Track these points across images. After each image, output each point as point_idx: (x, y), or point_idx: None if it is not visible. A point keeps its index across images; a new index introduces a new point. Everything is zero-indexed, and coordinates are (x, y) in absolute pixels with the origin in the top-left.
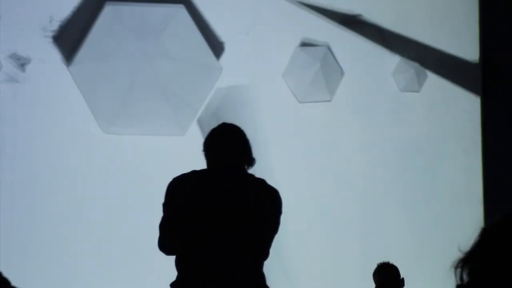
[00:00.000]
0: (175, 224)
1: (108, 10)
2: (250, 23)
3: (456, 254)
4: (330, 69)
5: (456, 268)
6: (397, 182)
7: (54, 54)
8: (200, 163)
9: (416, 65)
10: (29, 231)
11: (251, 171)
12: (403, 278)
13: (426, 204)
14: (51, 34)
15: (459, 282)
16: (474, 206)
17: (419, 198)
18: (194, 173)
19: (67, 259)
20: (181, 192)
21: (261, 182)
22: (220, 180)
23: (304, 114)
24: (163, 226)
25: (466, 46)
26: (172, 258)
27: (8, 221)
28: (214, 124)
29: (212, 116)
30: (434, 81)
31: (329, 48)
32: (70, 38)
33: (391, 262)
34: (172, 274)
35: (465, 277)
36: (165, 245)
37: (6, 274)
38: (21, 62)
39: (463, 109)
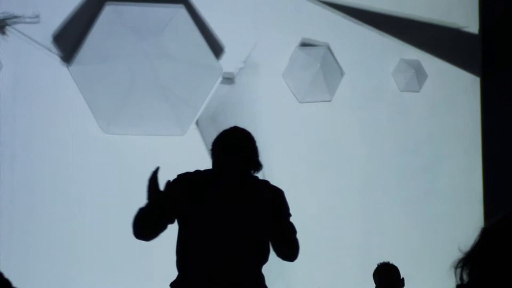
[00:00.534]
0: (165, 215)
1: (108, 10)
2: (251, 23)
3: (456, 254)
4: (330, 69)
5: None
6: (397, 181)
7: (54, 54)
8: (199, 163)
9: (416, 65)
10: (29, 231)
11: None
12: (403, 278)
13: (426, 204)
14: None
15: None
16: (474, 206)
17: (419, 198)
18: (198, 172)
19: (67, 258)
20: (185, 189)
21: (265, 183)
22: (222, 181)
23: (304, 114)
24: (148, 212)
25: (466, 46)
26: (172, 259)
27: (8, 221)
28: (213, 124)
29: (211, 116)
30: (434, 81)
31: (329, 48)
32: (70, 38)
33: (391, 262)
34: (170, 273)
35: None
36: (143, 229)
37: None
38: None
39: (463, 109)
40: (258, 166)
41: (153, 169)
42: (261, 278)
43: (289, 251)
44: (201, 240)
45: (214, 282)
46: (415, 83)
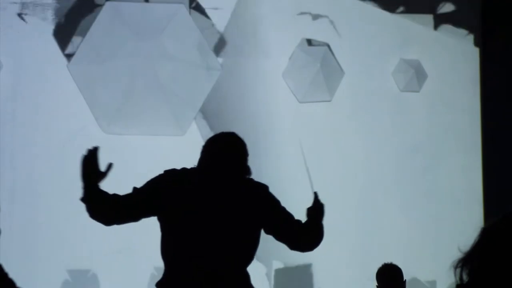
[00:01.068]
0: (144, 206)
1: (107, 9)
2: (251, 23)
3: (456, 254)
4: (330, 69)
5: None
6: (397, 181)
7: (54, 53)
8: None
9: (416, 65)
10: (30, 231)
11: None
12: (405, 281)
13: (426, 204)
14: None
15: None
16: (474, 206)
17: (419, 198)
18: (184, 170)
19: (67, 258)
20: (170, 186)
21: (249, 181)
22: (209, 180)
23: (304, 114)
24: (122, 197)
25: (466, 46)
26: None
27: (8, 221)
28: (213, 125)
29: (211, 117)
30: (434, 81)
31: (329, 48)
32: (70, 36)
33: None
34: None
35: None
36: (107, 211)
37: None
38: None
39: (463, 109)
40: (247, 171)
41: (90, 148)
42: (247, 277)
43: (311, 235)
44: (187, 239)
45: (200, 281)
46: (415, 83)
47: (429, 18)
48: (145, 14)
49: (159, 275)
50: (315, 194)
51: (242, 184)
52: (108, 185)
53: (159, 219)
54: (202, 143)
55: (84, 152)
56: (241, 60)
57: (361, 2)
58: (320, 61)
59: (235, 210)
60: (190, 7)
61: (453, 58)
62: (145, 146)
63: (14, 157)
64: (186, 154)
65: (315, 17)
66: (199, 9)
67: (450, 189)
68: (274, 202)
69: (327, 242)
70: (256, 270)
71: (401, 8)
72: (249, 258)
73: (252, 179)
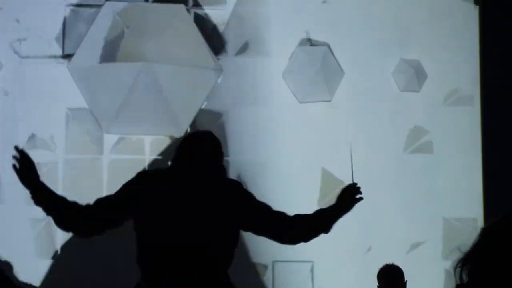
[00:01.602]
0: (115, 213)
1: (107, 9)
2: (251, 22)
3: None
4: (330, 69)
5: (456, 268)
6: (397, 182)
7: (54, 52)
8: None
9: (416, 65)
10: (30, 231)
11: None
12: (406, 281)
13: (426, 204)
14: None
15: (458, 282)
16: (474, 206)
17: (418, 198)
18: (158, 171)
19: (67, 258)
20: (143, 188)
21: (223, 180)
22: (183, 181)
23: (304, 114)
24: (97, 205)
25: (466, 46)
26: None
27: (8, 222)
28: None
29: (210, 117)
30: (434, 81)
31: (329, 48)
32: (70, 35)
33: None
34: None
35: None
36: (84, 223)
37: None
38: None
39: (463, 109)
40: (221, 170)
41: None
42: (228, 278)
43: (296, 229)
44: (163, 241)
45: (179, 283)
46: (415, 83)
47: (429, 17)
48: (145, 14)
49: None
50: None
51: (215, 182)
52: (107, 185)
53: (135, 223)
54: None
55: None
56: (241, 60)
57: (361, 2)
58: (320, 61)
59: (210, 209)
60: (190, 7)
61: (453, 58)
62: (145, 146)
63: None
64: None
65: (315, 17)
66: (199, 9)
67: (450, 189)
68: (248, 198)
69: (327, 242)
70: (257, 269)
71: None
72: (228, 257)
73: (225, 177)
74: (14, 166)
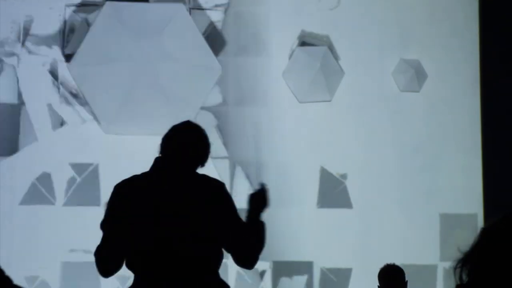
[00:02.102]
0: (115, 229)
1: (107, 9)
2: (251, 22)
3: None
4: (330, 69)
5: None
6: (397, 182)
7: (54, 53)
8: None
9: (416, 65)
10: (30, 231)
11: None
12: (406, 281)
13: (426, 204)
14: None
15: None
16: (474, 206)
17: (418, 198)
18: (135, 177)
19: (67, 258)
20: (125, 200)
21: (205, 178)
22: (163, 183)
23: (304, 114)
24: (106, 238)
25: (466, 46)
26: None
27: (8, 222)
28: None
29: (210, 116)
30: (434, 81)
31: (329, 48)
32: (70, 36)
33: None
34: None
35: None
36: (104, 254)
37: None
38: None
39: (463, 109)
40: (196, 162)
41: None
42: (217, 274)
43: (247, 252)
44: (148, 245)
45: (171, 284)
46: (415, 83)
47: (429, 17)
48: (145, 14)
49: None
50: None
51: (198, 182)
52: (108, 185)
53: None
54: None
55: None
56: (241, 60)
57: (361, 2)
58: (320, 61)
59: (194, 207)
60: (190, 7)
61: (453, 58)
62: (145, 146)
63: (14, 157)
64: None
65: (315, 17)
66: (199, 9)
67: (450, 189)
68: (229, 206)
69: (327, 241)
70: (256, 268)
71: None
72: (218, 255)
73: (207, 176)
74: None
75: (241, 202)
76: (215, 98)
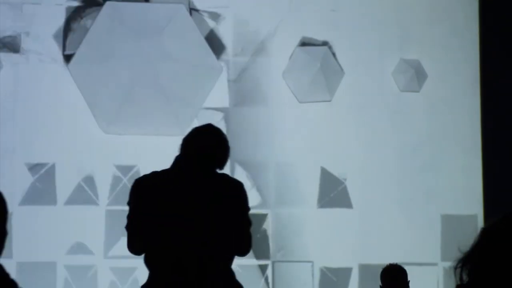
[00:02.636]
0: (139, 226)
1: (107, 9)
2: (251, 22)
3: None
4: (330, 69)
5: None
6: (397, 182)
7: (54, 53)
8: None
9: (416, 65)
10: (29, 231)
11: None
12: (408, 281)
13: (426, 204)
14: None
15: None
16: (474, 206)
17: (418, 198)
18: (155, 174)
19: (67, 258)
20: (144, 194)
21: (224, 177)
22: (183, 180)
23: (304, 114)
24: (128, 227)
25: (466, 46)
26: None
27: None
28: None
29: (211, 116)
30: (434, 81)
31: (329, 48)
32: (70, 35)
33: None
34: None
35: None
36: (132, 245)
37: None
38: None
39: (463, 109)
40: (216, 164)
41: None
42: (232, 274)
43: (243, 245)
44: (169, 241)
45: (184, 282)
46: (415, 83)
47: (429, 17)
48: (145, 14)
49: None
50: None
51: (217, 180)
52: (107, 185)
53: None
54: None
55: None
56: (241, 60)
57: (361, 2)
58: (320, 61)
59: (212, 207)
60: (190, 7)
61: (453, 58)
62: (145, 146)
63: (14, 157)
64: None
65: (315, 17)
66: (199, 9)
67: (450, 189)
68: (244, 205)
69: (327, 241)
70: (256, 268)
71: None
72: (231, 254)
73: (227, 175)
74: None
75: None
76: (215, 98)
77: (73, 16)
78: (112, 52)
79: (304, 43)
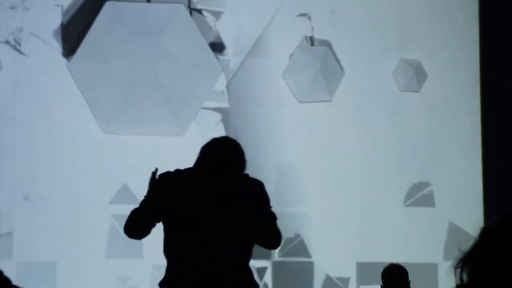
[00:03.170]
0: (150, 213)
1: (107, 9)
2: (251, 22)
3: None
4: (330, 69)
5: (456, 268)
6: (397, 182)
7: (54, 53)
8: None
9: (416, 65)
10: (29, 231)
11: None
12: (409, 281)
13: (426, 204)
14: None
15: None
16: (474, 206)
17: (418, 198)
18: (179, 171)
19: (67, 259)
20: (168, 189)
21: (245, 177)
22: (205, 179)
23: (304, 114)
24: (137, 212)
25: (466, 46)
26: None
27: (8, 222)
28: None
29: (211, 116)
30: (434, 81)
31: (329, 48)
32: (70, 35)
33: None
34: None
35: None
36: (131, 228)
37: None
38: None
39: (463, 109)
40: (242, 170)
41: (153, 170)
42: (250, 273)
43: (273, 239)
44: (188, 238)
45: (202, 279)
46: (415, 83)
47: (429, 17)
48: (145, 14)
49: (159, 275)
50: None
51: (238, 180)
52: (108, 185)
53: (162, 221)
54: (202, 143)
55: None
56: (241, 60)
57: (361, 2)
58: (320, 61)
59: (233, 206)
60: (190, 7)
61: (453, 58)
62: (145, 146)
63: (14, 157)
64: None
65: (316, 17)
66: (199, 9)
67: (450, 189)
68: (265, 201)
69: (328, 241)
70: (255, 268)
71: None
72: (248, 254)
73: (247, 175)
74: (152, 178)
75: None
76: (215, 98)
77: (74, 15)
78: (112, 52)
79: (304, 43)
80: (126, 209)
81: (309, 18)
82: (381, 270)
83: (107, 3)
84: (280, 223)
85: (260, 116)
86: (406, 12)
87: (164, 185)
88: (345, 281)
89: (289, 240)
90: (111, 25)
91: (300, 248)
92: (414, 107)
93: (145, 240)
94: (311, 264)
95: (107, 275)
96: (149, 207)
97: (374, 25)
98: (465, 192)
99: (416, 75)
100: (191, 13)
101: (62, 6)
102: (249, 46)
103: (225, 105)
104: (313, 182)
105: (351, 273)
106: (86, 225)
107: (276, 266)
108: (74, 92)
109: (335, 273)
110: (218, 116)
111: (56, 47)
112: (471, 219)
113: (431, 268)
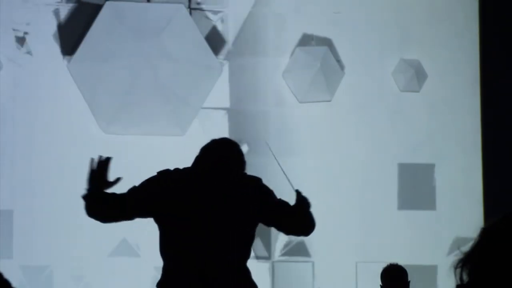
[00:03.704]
0: (133, 207)
1: (107, 9)
2: (251, 22)
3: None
4: (330, 69)
5: (456, 268)
6: (397, 181)
7: (54, 52)
8: None
9: (416, 65)
10: (30, 231)
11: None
12: (409, 282)
13: (426, 204)
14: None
15: (459, 282)
16: (474, 206)
17: (418, 198)
18: (177, 170)
19: (68, 260)
20: (164, 188)
21: (243, 176)
22: (202, 178)
23: (304, 114)
24: (115, 195)
25: (466, 46)
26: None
27: (8, 222)
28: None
29: (211, 116)
30: (434, 81)
31: (329, 48)
32: (70, 35)
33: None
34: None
35: (465, 277)
36: (100, 210)
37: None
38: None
39: (463, 109)
40: (241, 170)
41: (103, 158)
42: (248, 273)
43: (301, 221)
44: (185, 238)
45: (201, 280)
46: (415, 83)
47: (429, 17)
48: (145, 14)
49: (158, 274)
50: (297, 192)
51: (235, 180)
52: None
53: (156, 219)
54: (203, 143)
55: (93, 156)
56: (241, 60)
57: (361, 2)
58: (320, 61)
59: (230, 206)
60: (190, 7)
61: (453, 58)
62: (145, 146)
63: (14, 157)
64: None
65: (315, 17)
66: (199, 9)
67: (450, 189)
68: (266, 194)
69: (328, 241)
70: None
71: None
72: (246, 253)
73: (245, 174)
74: (98, 165)
75: None
76: (215, 98)
77: (74, 15)
78: (112, 52)
79: (304, 43)
80: None
81: (310, 18)
82: (381, 270)
83: (107, 3)
84: None
85: (260, 116)
86: (406, 12)
87: (160, 183)
88: (345, 281)
89: (289, 240)
90: (111, 25)
91: (300, 248)
92: (414, 107)
93: (145, 240)
94: (311, 264)
95: (107, 275)
96: (134, 198)
97: (374, 25)
98: (465, 192)
99: (416, 75)
100: (191, 13)
101: (62, 6)
102: (249, 46)
103: (225, 105)
104: (313, 182)
105: (351, 273)
106: (86, 225)
107: (276, 266)
108: (74, 92)
109: (335, 273)
110: (218, 116)
111: (56, 47)
112: (471, 219)
113: (431, 269)
